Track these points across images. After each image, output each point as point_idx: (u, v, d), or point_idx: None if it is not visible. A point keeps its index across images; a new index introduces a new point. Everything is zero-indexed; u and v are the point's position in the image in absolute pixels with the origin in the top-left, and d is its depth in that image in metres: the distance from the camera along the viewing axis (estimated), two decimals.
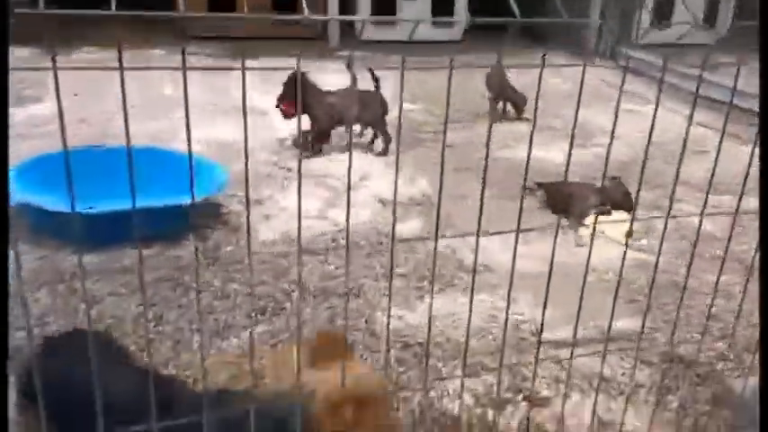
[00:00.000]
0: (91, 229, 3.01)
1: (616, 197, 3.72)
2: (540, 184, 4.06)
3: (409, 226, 3.73)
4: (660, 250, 1.60)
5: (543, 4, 3.85)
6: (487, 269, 3.32)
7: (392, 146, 4.98)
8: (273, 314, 2.81)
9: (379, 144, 4.97)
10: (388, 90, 5.09)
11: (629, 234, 3.40)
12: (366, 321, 2.82)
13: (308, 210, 3.81)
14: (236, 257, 3.24)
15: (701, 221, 1.50)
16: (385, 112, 4.83)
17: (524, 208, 1.38)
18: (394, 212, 1.10)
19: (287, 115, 4.62)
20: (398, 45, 7.93)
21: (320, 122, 4.69)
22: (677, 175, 1.46)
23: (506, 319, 1.40)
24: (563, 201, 3.78)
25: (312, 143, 4.76)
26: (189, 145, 1.07)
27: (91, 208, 3.01)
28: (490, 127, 1.42)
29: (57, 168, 0.94)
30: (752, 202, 1.51)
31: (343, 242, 3.48)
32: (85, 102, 5.30)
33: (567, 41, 8.94)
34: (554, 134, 5.40)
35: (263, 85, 6.17)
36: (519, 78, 5.81)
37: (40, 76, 5.61)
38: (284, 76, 4.71)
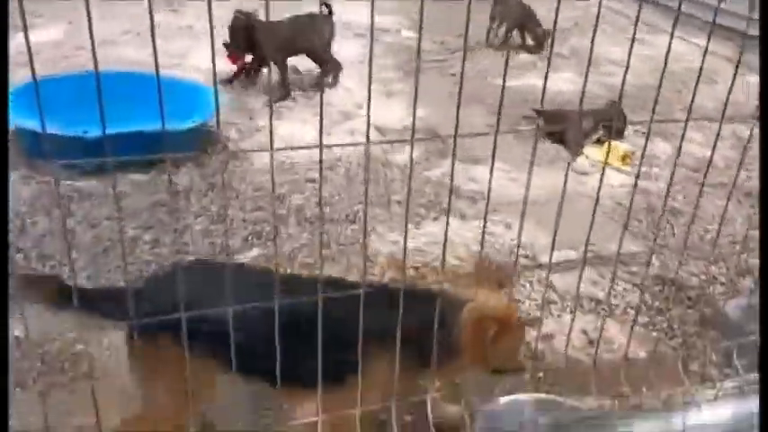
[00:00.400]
0: (85, 154, 3.01)
1: (610, 119, 3.67)
2: (539, 112, 4.00)
3: (406, 154, 3.69)
4: (639, 173, 1.57)
5: None
6: (483, 197, 3.31)
7: (390, 73, 4.88)
8: (269, 239, 2.83)
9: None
10: (389, 17, 4.94)
11: (624, 157, 3.37)
12: (361, 245, 2.83)
13: (303, 138, 3.79)
14: (232, 183, 3.24)
15: (684, 129, 1.47)
16: (331, 37, 4.48)
17: (522, 135, 1.37)
18: (367, 137, 1.09)
19: (233, 63, 4.29)
20: None
21: (274, 58, 4.36)
22: (658, 92, 1.42)
23: (482, 238, 1.40)
24: (560, 126, 3.74)
25: (279, 85, 4.38)
26: (156, 66, 1.03)
27: (86, 132, 3.00)
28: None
29: (50, 93, 0.93)
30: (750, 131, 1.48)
31: (341, 170, 3.48)
32: (83, 29, 5.20)
33: None
34: (560, 63, 5.28)
35: (260, 12, 6.03)
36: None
37: (32, 4, 5.48)
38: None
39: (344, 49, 5.34)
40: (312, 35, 4.37)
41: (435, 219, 3.15)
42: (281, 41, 4.30)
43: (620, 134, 3.65)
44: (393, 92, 4.59)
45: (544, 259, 2.79)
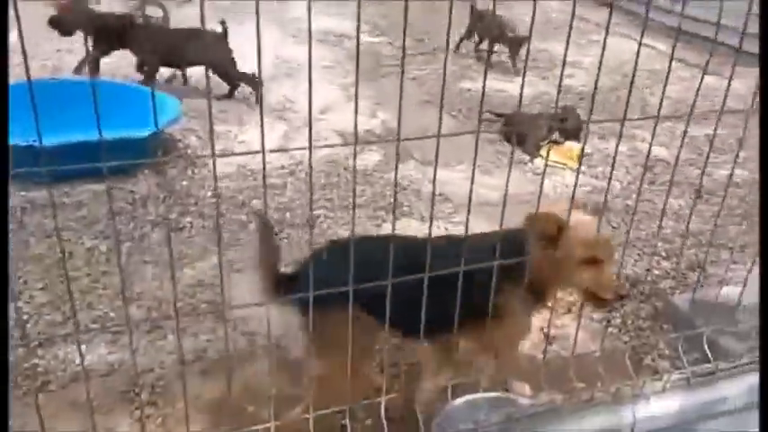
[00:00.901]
0: (37, 164, 2.95)
1: (567, 124, 3.73)
2: (499, 115, 4.05)
3: (368, 158, 3.71)
4: (579, 169, 1.61)
5: None
6: (446, 199, 3.35)
7: (352, 78, 4.90)
8: (228, 246, 2.81)
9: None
10: (350, 22, 4.90)
11: (579, 158, 3.44)
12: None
13: (264, 145, 3.78)
14: (191, 191, 3.21)
15: (621, 128, 1.51)
16: (227, 57, 4.31)
17: (484, 138, 1.40)
18: (309, 143, 1.10)
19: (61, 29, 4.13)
20: None
21: (147, 61, 4.28)
22: (594, 94, 1.45)
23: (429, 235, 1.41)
24: (518, 130, 3.80)
25: (144, 81, 4.26)
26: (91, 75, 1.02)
27: (35, 141, 2.95)
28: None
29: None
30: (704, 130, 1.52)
31: (302, 174, 3.47)
32: (35, 37, 5.09)
33: None
34: (520, 65, 5.36)
35: (221, 13, 5.99)
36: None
37: None
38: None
39: (306, 54, 5.35)
40: (208, 50, 4.13)
41: (396, 220, 3.17)
42: (156, 44, 4.23)
43: (575, 136, 3.72)
44: (353, 96, 4.59)
45: None
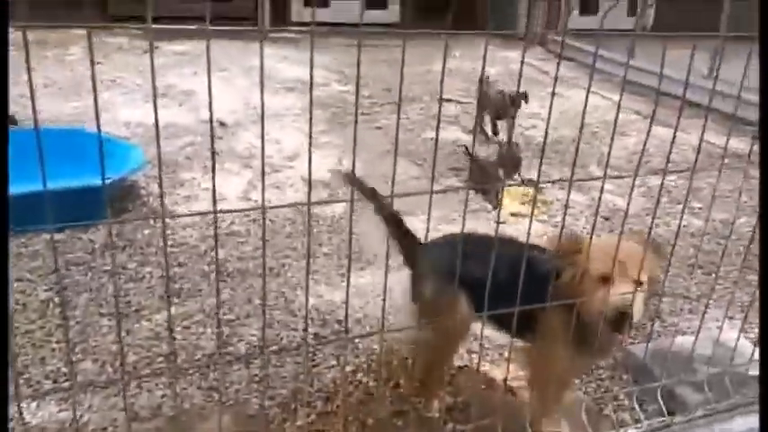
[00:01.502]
0: None
1: (507, 156, 3.87)
2: (472, 159, 4.13)
3: (335, 206, 3.72)
4: (532, 220, 1.64)
5: None
6: None
7: (319, 126, 4.95)
8: (189, 296, 2.77)
9: None
10: (320, 70, 4.95)
11: (534, 203, 3.50)
12: (285, 300, 2.81)
13: (229, 192, 3.77)
14: (152, 240, 3.17)
15: (569, 187, 1.55)
16: None
17: (450, 186, 1.44)
18: (263, 203, 1.11)
19: None
20: (335, 27, 7.89)
21: None
22: (542, 154, 1.50)
23: (384, 287, 1.42)
24: (480, 179, 3.89)
25: None
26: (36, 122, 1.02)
27: None
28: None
29: None
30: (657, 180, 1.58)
31: (268, 223, 3.46)
32: None
33: (501, 27, 9.08)
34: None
35: (189, 66, 6.05)
36: (451, 62, 5.86)
37: None
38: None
39: (275, 102, 5.42)
40: None
41: (362, 269, 3.16)
42: None
43: (515, 167, 3.89)
44: (321, 144, 4.64)
45: None
